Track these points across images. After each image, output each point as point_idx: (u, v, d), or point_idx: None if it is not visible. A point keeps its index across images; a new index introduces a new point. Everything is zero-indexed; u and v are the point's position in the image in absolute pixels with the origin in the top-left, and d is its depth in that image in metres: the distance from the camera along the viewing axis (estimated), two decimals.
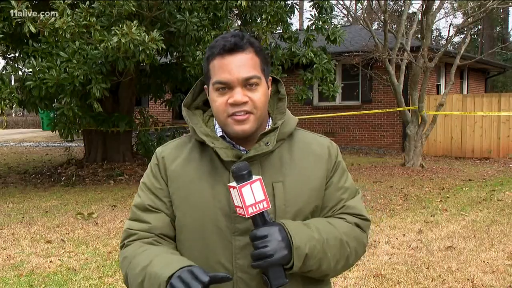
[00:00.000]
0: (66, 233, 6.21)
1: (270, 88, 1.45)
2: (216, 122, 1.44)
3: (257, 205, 1.27)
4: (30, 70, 8.53)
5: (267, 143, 1.37)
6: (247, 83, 1.35)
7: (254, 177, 1.29)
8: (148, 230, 1.43)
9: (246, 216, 1.27)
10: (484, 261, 4.96)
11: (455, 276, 4.56)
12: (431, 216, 6.91)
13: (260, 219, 1.30)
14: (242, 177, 1.28)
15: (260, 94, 1.37)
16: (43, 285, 4.48)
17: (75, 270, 4.86)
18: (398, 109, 12.13)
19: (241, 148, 1.42)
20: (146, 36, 7.56)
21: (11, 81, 9.24)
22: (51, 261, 5.12)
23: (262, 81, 1.38)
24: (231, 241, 1.36)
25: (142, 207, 1.46)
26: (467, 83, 19.73)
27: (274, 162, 1.41)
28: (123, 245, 1.47)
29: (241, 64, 1.35)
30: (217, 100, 1.37)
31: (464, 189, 9.03)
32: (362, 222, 1.46)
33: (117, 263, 5.02)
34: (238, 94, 1.34)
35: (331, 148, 1.48)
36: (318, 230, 1.35)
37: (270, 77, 1.45)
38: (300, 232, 1.32)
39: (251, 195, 1.27)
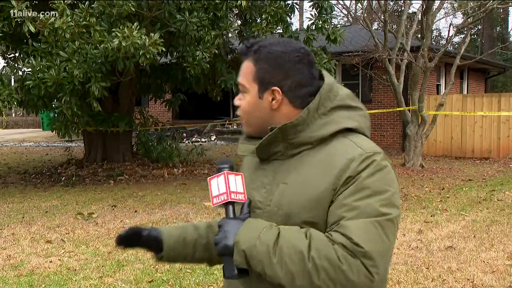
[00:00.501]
0: (66, 233, 6.21)
1: (275, 99, 1.41)
2: None
3: (219, 197, 1.37)
4: (30, 69, 8.53)
5: (263, 140, 1.44)
6: (239, 89, 1.46)
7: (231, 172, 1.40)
8: None
9: (212, 206, 1.39)
10: (484, 261, 4.96)
11: (455, 276, 4.56)
12: (431, 216, 6.91)
13: (232, 211, 1.37)
14: (219, 171, 1.40)
15: (245, 102, 1.45)
16: (43, 285, 4.48)
17: (75, 270, 4.86)
18: (398, 109, 12.13)
19: None
20: (147, 40, 7.56)
21: (10, 82, 9.24)
22: (51, 261, 5.12)
23: (249, 90, 1.43)
24: None
25: None
26: (467, 83, 19.73)
27: (294, 164, 1.41)
28: None
29: (240, 70, 1.46)
30: None
31: (464, 189, 9.03)
32: (350, 245, 1.24)
33: (117, 262, 5.03)
34: (235, 98, 1.48)
35: (355, 161, 1.32)
36: (277, 235, 1.29)
37: (275, 88, 1.40)
38: (250, 229, 1.31)
39: (216, 187, 1.38)
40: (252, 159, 1.52)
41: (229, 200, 1.36)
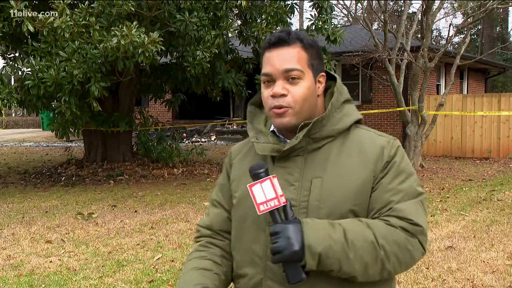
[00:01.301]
0: (66, 233, 6.21)
1: (322, 84, 1.46)
2: None
3: (268, 203, 1.32)
4: (29, 69, 8.53)
5: (297, 138, 1.40)
6: (288, 76, 1.39)
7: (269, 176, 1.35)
8: (208, 227, 1.58)
9: (258, 213, 1.33)
10: (484, 261, 4.96)
11: (455, 276, 4.56)
12: (431, 216, 6.91)
13: (278, 216, 1.33)
14: (256, 176, 1.35)
15: (301, 88, 1.39)
16: (43, 285, 4.48)
17: (75, 270, 4.86)
18: (398, 109, 12.13)
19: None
20: (146, 38, 7.56)
21: (10, 81, 9.24)
22: (51, 261, 5.11)
23: (306, 76, 1.40)
24: (265, 230, 1.42)
25: (211, 201, 1.62)
26: (467, 83, 19.73)
27: (319, 158, 1.42)
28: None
29: (283, 57, 1.39)
30: (263, 93, 1.44)
31: (464, 189, 9.03)
32: (410, 226, 1.34)
33: (117, 263, 5.02)
34: (278, 86, 1.39)
35: (386, 148, 1.41)
36: (343, 231, 1.32)
37: (323, 74, 1.46)
38: (317, 230, 1.31)
39: (262, 193, 1.33)
40: (247, 159, 1.51)
41: (282, 205, 1.32)
